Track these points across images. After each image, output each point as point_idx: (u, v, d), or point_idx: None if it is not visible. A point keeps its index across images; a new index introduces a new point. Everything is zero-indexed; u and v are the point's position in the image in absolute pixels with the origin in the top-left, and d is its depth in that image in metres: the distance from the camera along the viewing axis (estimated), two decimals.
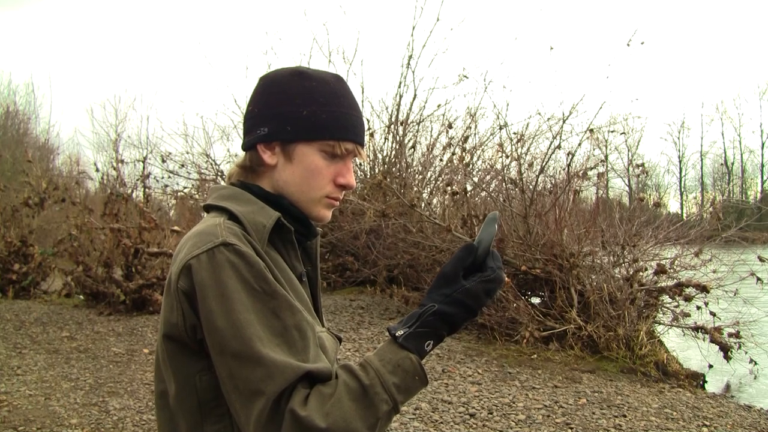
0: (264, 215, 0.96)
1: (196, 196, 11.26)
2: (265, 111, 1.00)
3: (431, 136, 9.95)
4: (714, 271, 6.00)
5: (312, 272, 1.11)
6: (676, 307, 5.83)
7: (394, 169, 9.40)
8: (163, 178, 11.28)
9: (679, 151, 40.70)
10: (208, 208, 1.02)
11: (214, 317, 0.85)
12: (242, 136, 1.05)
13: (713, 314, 5.60)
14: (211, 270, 0.86)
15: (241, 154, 1.07)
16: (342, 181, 1.01)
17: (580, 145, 6.93)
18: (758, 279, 5.71)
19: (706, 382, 5.35)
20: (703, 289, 5.54)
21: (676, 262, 6.13)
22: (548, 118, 7.52)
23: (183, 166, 11.38)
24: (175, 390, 0.92)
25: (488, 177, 8.43)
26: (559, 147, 6.77)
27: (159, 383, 0.97)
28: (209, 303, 0.85)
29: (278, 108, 0.99)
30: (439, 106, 9.76)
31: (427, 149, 9.71)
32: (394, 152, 9.54)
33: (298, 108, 0.98)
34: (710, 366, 5.56)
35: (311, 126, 0.98)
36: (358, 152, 1.03)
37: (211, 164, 11.53)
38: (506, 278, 5.39)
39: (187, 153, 11.55)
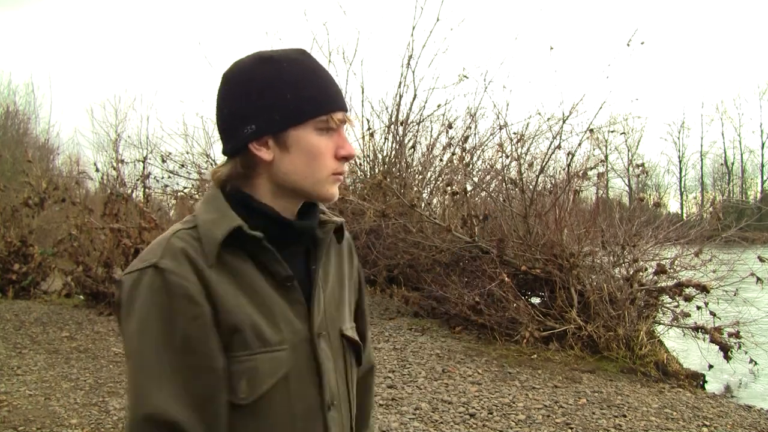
0: (220, 226, 0.90)
1: (196, 196, 11.25)
2: (245, 107, 0.93)
3: (431, 136, 9.94)
4: (714, 271, 6.00)
5: (327, 269, 1.03)
6: (676, 307, 5.83)
7: (394, 169, 9.39)
8: (163, 178, 11.28)
9: (679, 151, 40.73)
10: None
11: (123, 335, 0.89)
12: (223, 141, 0.98)
13: (713, 314, 5.60)
14: (131, 292, 0.87)
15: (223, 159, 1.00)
16: (343, 152, 0.96)
17: (580, 145, 6.95)
18: (758, 279, 5.71)
19: (706, 382, 5.35)
20: (703, 289, 5.54)
21: (676, 262, 6.13)
22: (548, 118, 7.52)
23: (183, 166, 11.38)
24: None
25: (488, 177, 8.43)
26: (559, 147, 6.78)
27: None
28: (120, 321, 0.89)
29: (259, 100, 0.92)
30: (439, 106, 9.75)
31: (427, 149, 9.71)
32: (394, 152, 9.54)
33: (281, 93, 0.92)
34: (710, 366, 5.56)
35: (299, 107, 0.93)
36: (348, 119, 0.98)
37: (211, 164, 11.52)
38: (506, 278, 5.35)
39: (187, 153, 11.54)
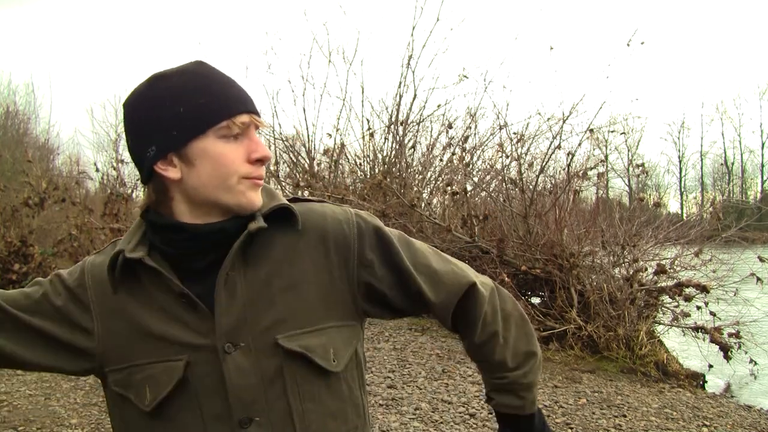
0: (100, 262, 0.98)
1: None
2: (143, 132, 0.91)
3: (431, 136, 9.95)
4: (714, 271, 6.00)
5: (249, 275, 0.93)
6: (676, 307, 5.83)
7: (394, 169, 9.39)
8: None
9: (679, 151, 40.71)
10: None
11: None
12: (137, 168, 0.95)
13: (713, 314, 5.60)
14: None
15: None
16: (256, 155, 0.91)
17: (580, 145, 6.94)
18: (758, 279, 5.71)
19: (706, 382, 5.35)
20: (703, 289, 5.53)
21: (676, 262, 6.13)
22: (548, 118, 7.52)
23: None
24: None
25: (488, 177, 8.43)
26: (559, 147, 6.78)
27: None
28: None
29: (154, 121, 0.89)
30: (439, 106, 9.75)
31: (427, 149, 9.71)
32: (394, 152, 9.54)
33: (173, 108, 0.88)
34: (710, 366, 5.56)
35: (196, 118, 0.88)
36: (256, 121, 0.93)
37: None
38: (506, 278, 5.35)
39: None
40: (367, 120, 10.10)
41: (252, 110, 0.93)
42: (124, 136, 0.98)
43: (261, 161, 0.92)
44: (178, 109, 0.88)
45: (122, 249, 0.92)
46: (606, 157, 9.12)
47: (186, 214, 0.93)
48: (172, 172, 0.90)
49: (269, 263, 0.94)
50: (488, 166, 8.53)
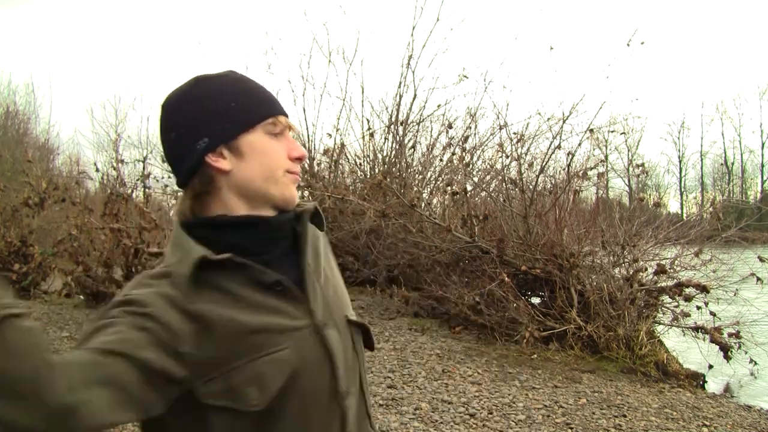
0: (185, 263, 0.90)
1: None
2: (193, 125, 0.94)
3: (431, 136, 9.95)
4: (714, 271, 6.00)
5: (317, 259, 1.02)
6: (676, 307, 5.83)
7: (394, 169, 9.39)
8: (163, 178, 11.27)
9: (679, 151, 40.71)
10: None
11: None
12: (176, 168, 0.98)
13: (713, 314, 5.60)
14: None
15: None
16: (296, 153, 0.99)
17: (580, 145, 6.94)
18: (758, 279, 5.71)
19: (706, 382, 5.35)
20: (703, 289, 5.54)
21: (676, 262, 6.13)
22: (548, 118, 7.52)
23: None
24: None
25: (488, 177, 8.43)
26: (559, 147, 6.77)
27: None
28: None
29: (206, 115, 0.94)
30: (439, 106, 9.76)
31: (427, 149, 9.72)
32: (394, 152, 9.54)
33: (225, 104, 0.95)
34: (710, 366, 5.56)
35: (246, 113, 0.96)
36: (292, 126, 1.02)
37: None
38: (506, 278, 5.34)
39: None
40: (367, 120, 10.11)
41: (287, 115, 1.01)
42: (160, 134, 0.99)
43: (299, 159, 1.00)
44: (230, 104, 0.95)
45: (202, 255, 0.89)
46: (606, 157, 9.13)
47: (242, 207, 0.97)
48: (222, 164, 0.94)
49: (320, 253, 1.05)
50: (488, 166, 8.53)
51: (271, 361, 0.90)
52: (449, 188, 7.71)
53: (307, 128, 10.24)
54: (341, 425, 0.96)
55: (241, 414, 0.88)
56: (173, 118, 0.97)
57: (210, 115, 0.94)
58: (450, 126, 8.94)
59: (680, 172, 40.40)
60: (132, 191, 9.46)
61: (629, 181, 30.32)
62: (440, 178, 9.16)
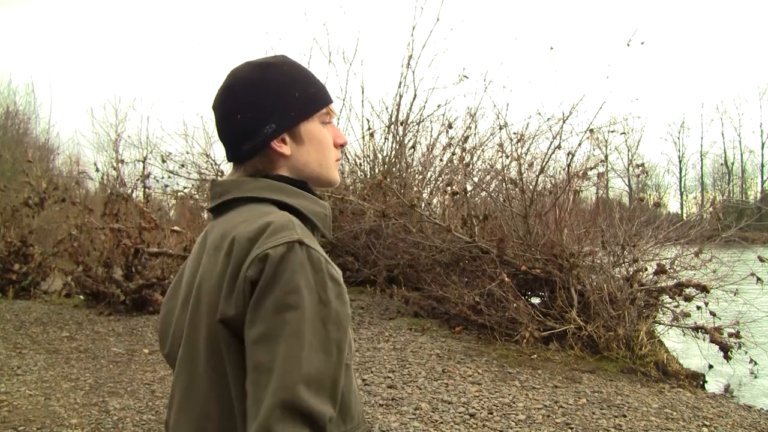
0: (319, 205, 1.03)
1: (196, 196, 11.26)
2: (263, 111, 1.02)
3: (431, 136, 9.93)
4: (714, 271, 6.00)
5: None
6: (676, 307, 5.83)
7: (394, 169, 9.39)
8: (163, 178, 11.27)
9: (679, 151, 40.72)
10: (246, 200, 1.01)
11: (263, 311, 0.87)
12: (235, 146, 1.04)
13: (713, 314, 5.60)
14: (284, 264, 0.88)
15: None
16: (340, 140, 1.10)
17: (580, 145, 6.93)
18: (758, 279, 5.71)
19: (706, 382, 5.35)
20: (703, 289, 5.54)
21: (676, 262, 6.13)
22: (548, 118, 7.50)
23: (183, 166, 11.37)
24: (235, 376, 0.91)
25: (488, 177, 8.42)
26: (559, 147, 6.77)
27: (208, 370, 0.93)
28: (266, 294, 0.87)
29: (274, 101, 1.02)
30: (439, 106, 9.74)
31: (427, 149, 9.70)
32: (394, 152, 9.54)
33: (289, 93, 1.03)
34: (710, 366, 5.57)
35: (307, 102, 1.05)
36: (334, 111, 1.11)
37: (212, 164, 11.52)
38: (506, 278, 5.34)
39: (187, 153, 11.53)
40: (367, 120, 10.10)
41: (332, 101, 1.11)
42: (222, 113, 1.05)
43: (342, 146, 1.11)
44: (294, 93, 1.04)
45: (328, 204, 1.05)
46: (606, 157, 9.10)
47: None
48: (284, 149, 1.03)
49: None
50: (488, 166, 8.52)
51: (351, 329, 1.00)
52: (449, 188, 7.71)
53: None
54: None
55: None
56: (240, 101, 1.03)
57: (276, 102, 1.02)
58: (450, 126, 8.93)
59: (680, 172, 40.43)
60: (132, 191, 9.46)
61: (629, 181, 30.29)
62: (440, 178, 9.15)
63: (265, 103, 1.02)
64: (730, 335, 5.48)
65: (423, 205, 7.75)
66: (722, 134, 50.52)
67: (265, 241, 0.90)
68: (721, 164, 40.15)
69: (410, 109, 9.65)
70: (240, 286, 0.90)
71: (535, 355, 5.45)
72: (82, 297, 8.27)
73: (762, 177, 39.31)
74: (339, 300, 0.90)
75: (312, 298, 0.87)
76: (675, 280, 5.87)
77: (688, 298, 5.69)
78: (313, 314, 0.87)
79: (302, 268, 0.88)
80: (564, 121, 6.65)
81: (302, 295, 0.86)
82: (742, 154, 39.70)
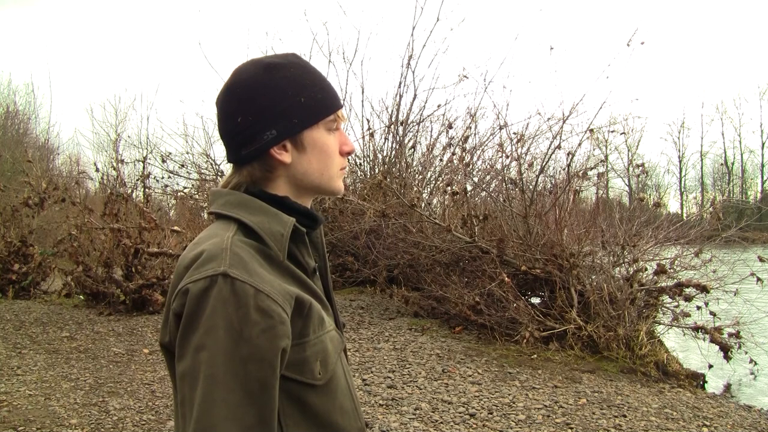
0: (279, 223, 0.95)
1: (196, 196, 11.27)
2: (265, 116, 0.97)
3: (431, 136, 9.95)
4: (714, 271, 6.00)
5: (321, 264, 1.09)
6: (676, 307, 5.83)
7: (394, 169, 9.39)
8: (163, 178, 11.29)
9: (679, 151, 40.72)
10: (217, 216, 0.99)
11: (186, 348, 0.85)
12: (234, 149, 1.00)
13: (713, 314, 5.60)
14: (204, 302, 0.85)
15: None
16: (347, 148, 1.05)
17: (580, 145, 6.93)
18: (758, 279, 5.71)
19: (706, 382, 5.35)
20: (703, 289, 5.53)
21: (676, 262, 6.13)
22: (548, 118, 7.51)
23: (183, 166, 11.39)
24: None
25: (488, 177, 8.43)
26: (559, 147, 6.77)
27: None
28: (187, 332, 0.85)
29: (276, 106, 0.97)
30: (439, 106, 9.76)
31: (427, 149, 9.71)
32: (394, 152, 9.54)
33: (295, 98, 0.98)
34: (710, 366, 5.56)
35: (313, 109, 0.99)
36: (344, 116, 1.06)
37: (211, 164, 11.53)
38: (506, 278, 5.33)
39: (187, 153, 11.56)
40: (367, 120, 10.12)
41: (342, 105, 1.05)
42: (224, 113, 1.00)
43: (349, 153, 1.06)
44: (300, 99, 0.98)
45: (294, 221, 0.97)
46: (606, 157, 9.11)
47: (291, 194, 1.03)
48: (285, 156, 0.99)
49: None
50: (488, 166, 8.53)
51: (330, 339, 0.97)
52: (449, 188, 7.71)
53: None
54: (357, 412, 1.04)
55: (304, 386, 0.92)
56: (241, 103, 0.98)
57: (279, 107, 0.97)
58: (450, 126, 8.93)
59: (680, 172, 40.43)
60: (132, 191, 9.47)
61: (629, 181, 30.30)
62: (440, 178, 9.15)
63: (268, 108, 0.97)
64: (730, 335, 5.47)
65: (423, 205, 7.75)
66: (722, 134, 50.61)
67: (192, 273, 0.87)
68: (721, 164, 40.16)
69: (410, 109, 9.67)
70: (169, 316, 0.91)
71: (535, 355, 5.45)
72: (82, 297, 8.26)
73: (762, 177, 39.34)
74: (265, 335, 0.84)
75: (229, 337, 0.83)
76: (675, 280, 5.87)
77: (688, 298, 5.69)
78: (230, 354, 0.83)
79: (223, 304, 0.84)
80: (564, 121, 6.66)
81: (218, 336, 0.83)
82: (742, 154, 39.74)
